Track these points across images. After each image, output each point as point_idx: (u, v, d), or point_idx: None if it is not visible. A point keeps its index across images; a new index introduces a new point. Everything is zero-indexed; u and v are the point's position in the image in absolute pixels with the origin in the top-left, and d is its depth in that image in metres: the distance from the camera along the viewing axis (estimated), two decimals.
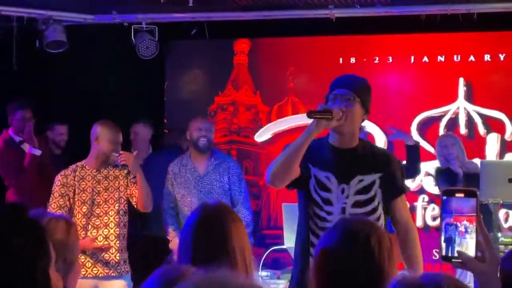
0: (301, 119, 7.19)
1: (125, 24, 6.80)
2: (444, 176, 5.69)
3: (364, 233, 2.01)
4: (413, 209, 6.93)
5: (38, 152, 5.85)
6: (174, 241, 5.13)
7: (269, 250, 4.96)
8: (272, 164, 3.34)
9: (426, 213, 6.95)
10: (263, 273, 4.95)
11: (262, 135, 7.24)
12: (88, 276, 4.79)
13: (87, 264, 4.79)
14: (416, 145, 5.60)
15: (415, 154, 5.56)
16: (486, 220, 4.61)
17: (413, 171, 5.55)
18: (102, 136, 4.87)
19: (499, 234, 4.41)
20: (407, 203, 3.53)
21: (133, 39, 6.74)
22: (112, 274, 4.88)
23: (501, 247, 4.37)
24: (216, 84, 7.41)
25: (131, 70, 7.05)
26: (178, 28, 7.08)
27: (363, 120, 3.46)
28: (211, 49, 7.42)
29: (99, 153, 4.89)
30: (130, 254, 5.05)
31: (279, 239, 6.20)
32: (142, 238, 6.11)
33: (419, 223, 6.93)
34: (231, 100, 7.37)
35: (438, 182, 5.86)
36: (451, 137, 6.03)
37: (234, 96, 7.37)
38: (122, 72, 7.08)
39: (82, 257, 4.75)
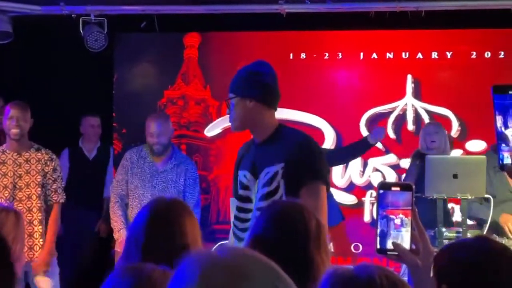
0: None
1: (73, 15, 6.68)
2: (416, 160, 5.77)
3: (290, 219, 2.00)
4: (361, 205, 7.00)
5: None
6: (121, 240, 4.99)
7: (217, 245, 4.93)
8: None
9: (374, 209, 7.02)
10: None
11: (212, 130, 7.22)
12: None
13: None
14: (372, 145, 5.65)
15: (363, 151, 5.60)
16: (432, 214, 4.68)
17: (343, 161, 5.71)
18: (3, 117, 4.95)
19: (444, 229, 4.47)
20: (319, 193, 3.14)
21: (82, 31, 6.64)
22: (36, 259, 4.85)
23: (446, 241, 4.43)
24: (166, 77, 7.35)
25: (80, 62, 6.94)
26: (128, 20, 7.00)
27: (265, 106, 3.36)
28: (161, 43, 7.35)
29: (7, 134, 4.92)
30: None
31: (228, 234, 6.19)
32: None
33: (367, 218, 7.00)
34: (180, 94, 7.32)
35: (410, 165, 5.91)
36: (435, 125, 6.07)
37: (184, 90, 7.32)
38: (70, 65, 6.98)
39: None
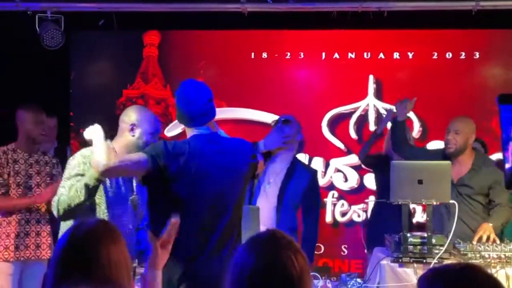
0: None
1: (29, 12, 6.48)
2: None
3: (276, 264, 1.92)
4: (322, 206, 6.95)
5: None
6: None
7: None
8: None
9: (336, 209, 6.99)
10: None
11: (172, 130, 7.10)
12: (10, 259, 4.90)
13: (10, 248, 4.89)
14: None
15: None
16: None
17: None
18: (24, 119, 5.05)
19: (408, 235, 4.43)
20: None
21: (38, 29, 6.44)
22: (42, 258, 5.01)
23: (410, 247, 4.40)
24: (125, 76, 7.20)
25: (36, 60, 6.75)
26: (86, 18, 6.83)
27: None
28: (120, 41, 7.19)
29: (25, 136, 5.04)
30: None
31: None
32: None
33: (328, 219, 6.96)
34: (140, 93, 7.18)
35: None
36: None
37: (143, 89, 7.18)
38: (26, 63, 6.78)
39: (7, 240, 4.90)
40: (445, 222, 4.95)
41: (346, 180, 6.99)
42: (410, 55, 6.99)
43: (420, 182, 4.37)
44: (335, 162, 6.99)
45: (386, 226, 5.00)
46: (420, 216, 6.76)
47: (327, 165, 6.99)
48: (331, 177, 6.99)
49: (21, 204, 4.94)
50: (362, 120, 7.00)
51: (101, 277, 1.96)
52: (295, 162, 5.00)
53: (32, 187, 5.00)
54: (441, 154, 5.23)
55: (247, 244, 1.97)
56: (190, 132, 3.67)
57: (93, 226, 2.10)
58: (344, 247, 6.93)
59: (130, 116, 3.90)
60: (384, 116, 6.81)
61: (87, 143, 4.35)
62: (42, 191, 4.98)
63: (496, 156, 6.67)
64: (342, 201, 6.99)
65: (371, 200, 6.65)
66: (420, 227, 6.15)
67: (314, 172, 5.22)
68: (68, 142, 6.99)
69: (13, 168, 4.96)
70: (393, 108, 5.68)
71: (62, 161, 6.49)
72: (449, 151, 5.15)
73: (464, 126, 5.17)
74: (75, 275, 1.96)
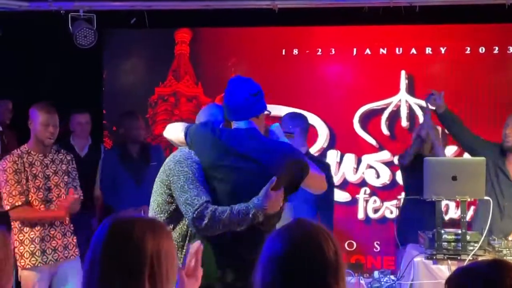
0: None
1: (61, 11, 6.55)
2: None
3: (308, 248, 1.89)
4: (355, 202, 6.94)
5: None
6: None
7: None
8: None
9: (368, 206, 6.96)
10: None
11: None
12: (38, 265, 4.78)
13: (37, 253, 4.77)
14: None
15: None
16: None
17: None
18: (33, 118, 4.82)
19: (442, 231, 4.40)
20: None
21: (70, 28, 6.51)
22: (71, 258, 4.94)
23: (445, 244, 4.37)
24: (157, 74, 7.24)
25: (69, 59, 6.82)
26: (117, 16, 6.88)
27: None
28: (152, 39, 7.24)
29: (35, 137, 4.83)
30: None
31: None
32: None
33: (360, 215, 6.94)
34: (172, 91, 7.22)
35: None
36: None
37: (175, 87, 7.22)
38: (59, 62, 6.86)
39: (31, 246, 4.77)
40: (498, 223, 4.87)
41: (378, 176, 6.96)
42: (443, 50, 6.93)
43: (454, 178, 4.34)
44: (367, 158, 6.96)
45: (417, 223, 4.95)
46: (453, 213, 6.72)
47: (359, 162, 6.97)
48: (363, 173, 6.96)
49: (45, 218, 4.82)
50: (394, 116, 6.96)
51: (146, 270, 1.93)
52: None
53: (51, 188, 4.85)
54: (499, 148, 5.20)
55: (275, 233, 1.93)
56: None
57: (137, 219, 2.03)
58: (377, 243, 6.90)
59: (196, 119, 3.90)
60: (414, 114, 6.78)
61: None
62: (60, 202, 4.82)
63: None
64: (374, 198, 6.97)
65: (404, 196, 6.61)
66: (454, 224, 6.10)
67: (325, 166, 5.04)
68: (101, 139, 7.06)
69: (31, 171, 4.79)
70: (424, 105, 5.65)
71: (96, 159, 6.60)
72: (507, 145, 5.13)
73: None
74: (119, 268, 1.93)
